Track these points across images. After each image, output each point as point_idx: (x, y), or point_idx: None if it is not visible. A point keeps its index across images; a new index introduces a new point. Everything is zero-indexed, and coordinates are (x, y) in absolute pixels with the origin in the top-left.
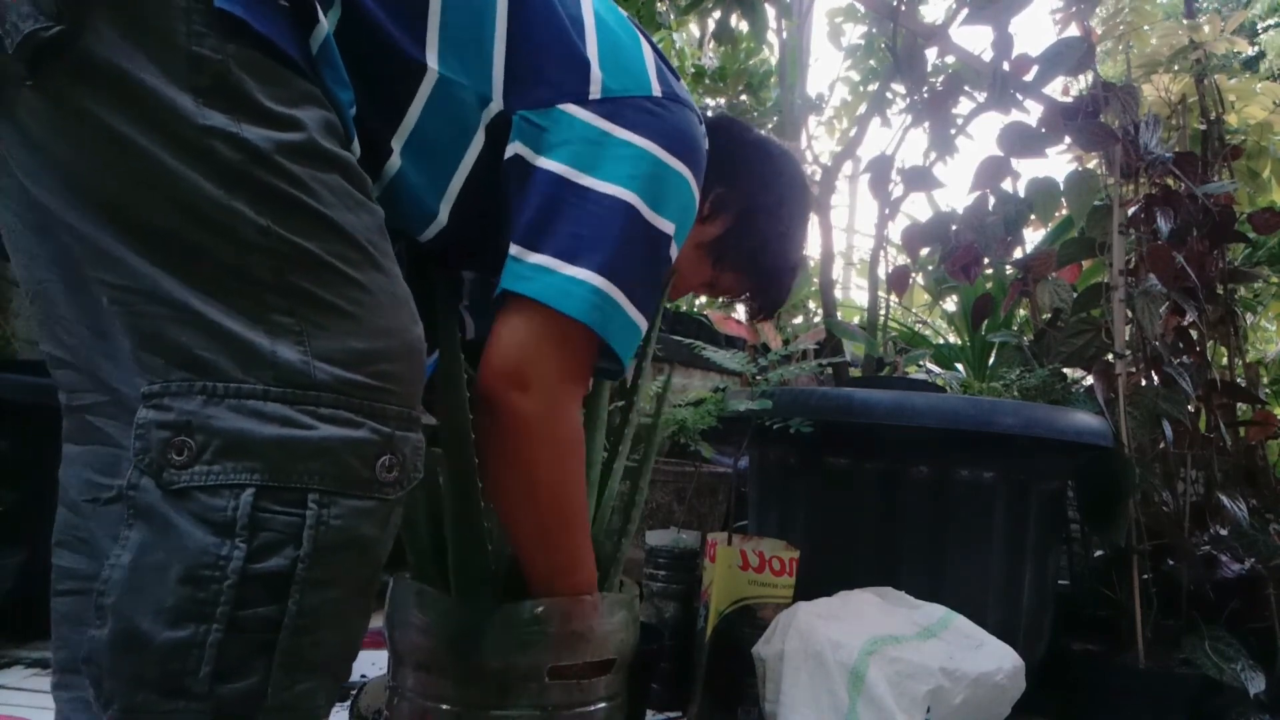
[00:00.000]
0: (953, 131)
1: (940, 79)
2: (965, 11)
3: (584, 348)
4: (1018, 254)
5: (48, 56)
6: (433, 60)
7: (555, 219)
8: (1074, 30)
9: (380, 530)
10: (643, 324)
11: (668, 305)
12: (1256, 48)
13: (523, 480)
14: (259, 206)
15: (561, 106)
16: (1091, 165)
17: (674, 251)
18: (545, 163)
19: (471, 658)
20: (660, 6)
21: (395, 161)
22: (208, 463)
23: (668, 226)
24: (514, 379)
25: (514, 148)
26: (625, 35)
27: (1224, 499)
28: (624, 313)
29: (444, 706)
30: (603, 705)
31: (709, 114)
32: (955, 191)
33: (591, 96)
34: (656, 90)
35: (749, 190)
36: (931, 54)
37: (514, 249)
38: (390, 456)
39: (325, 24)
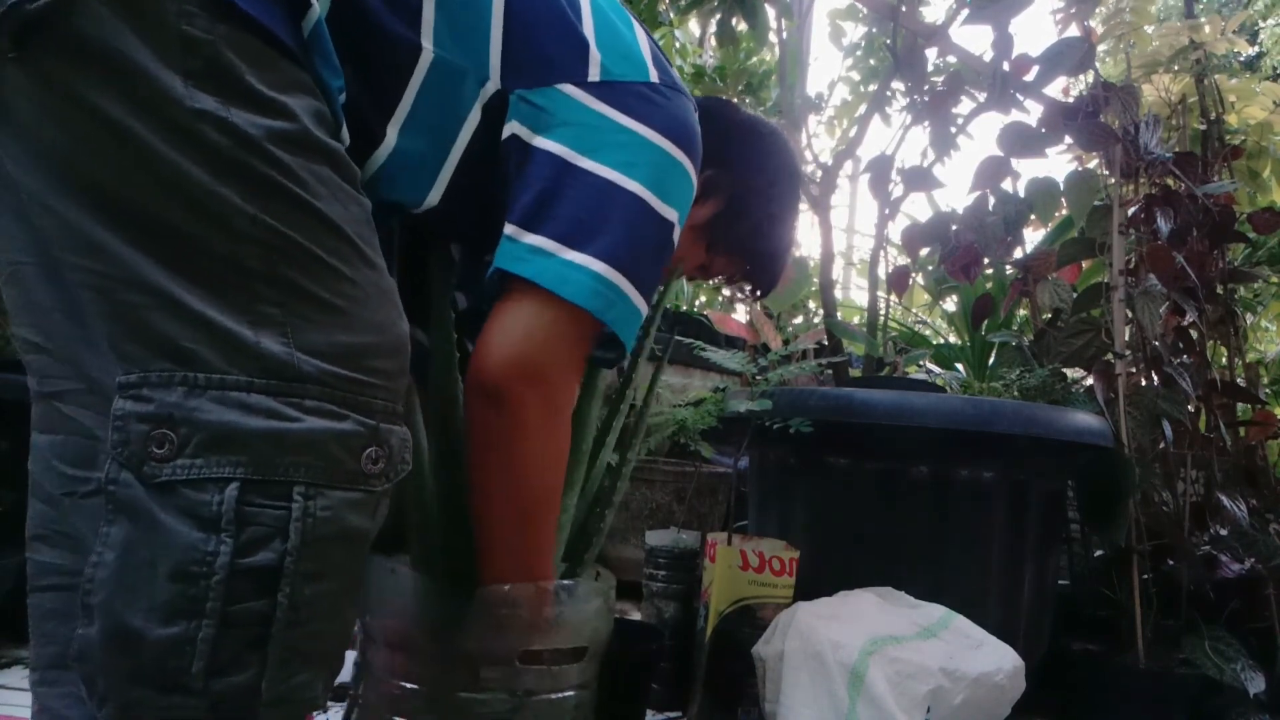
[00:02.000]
0: (953, 131)
1: (940, 79)
2: (965, 11)
3: (586, 336)
4: (1018, 254)
5: (34, 31)
6: (428, 41)
7: (555, 201)
8: (1074, 30)
9: (369, 521)
10: (644, 310)
11: (668, 305)
12: (1257, 48)
13: (516, 472)
14: (247, 195)
15: (559, 87)
16: (1091, 165)
17: (676, 238)
18: (544, 143)
19: (445, 639)
20: (661, 6)
21: (390, 144)
22: (191, 456)
23: (671, 214)
24: (524, 371)
25: (511, 127)
26: (621, 21)
27: (1224, 499)
28: (628, 299)
29: (414, 687)
30: (573, 693)
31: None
32: (955, 191)
33: (590, 79)
34: (655, 77)
35: (740, 172)
36: (932, 54)
37: (510, 229)
38: (376, 448)
39: (317, 7)
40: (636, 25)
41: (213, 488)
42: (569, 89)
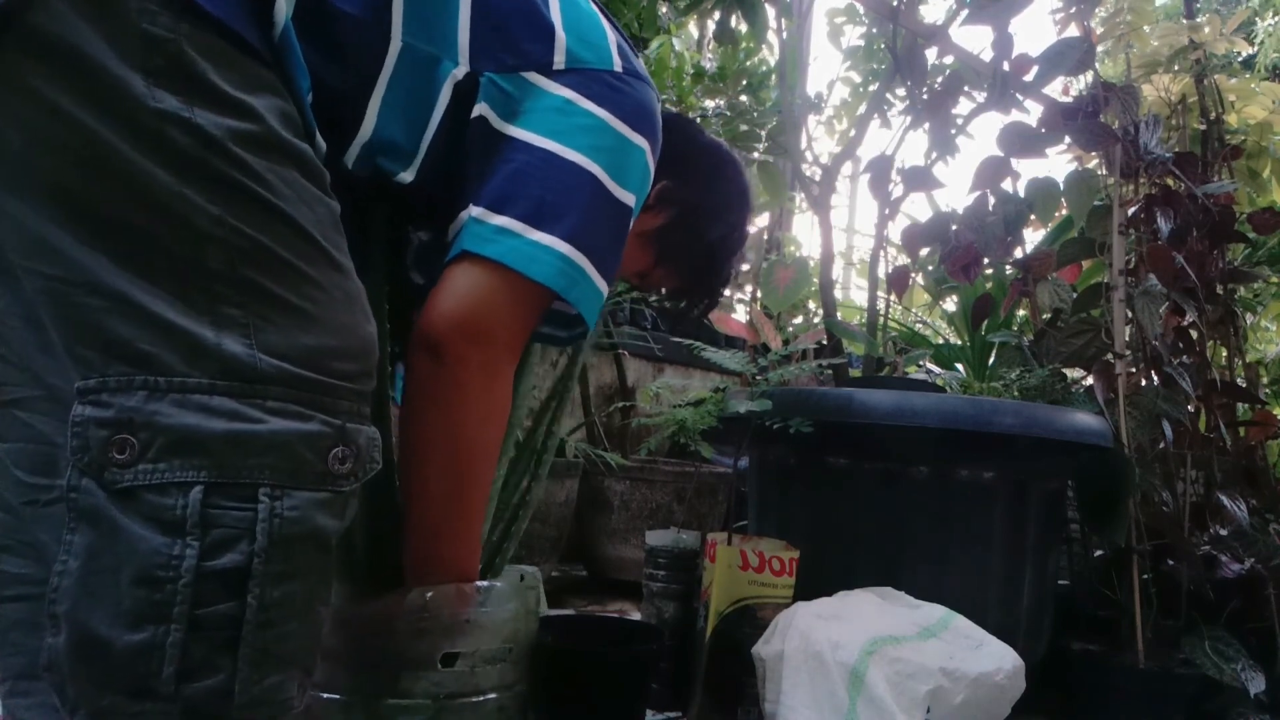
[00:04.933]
0: (953, 131)
1: (940, 79)
2: (965, 11)
3: (535, 311)
4: (1018, 254)
5: None
6: (397, 30)
7: (520, 184)
8: (1074, 30)
9: (338, 520)
10: (605, 290)
11: (652, 304)
12: (1256, 48)
13: (449, 434)
14: (211, 196)
15: (526, 75)
16: (1091, 165)
17: (631, 222)
18: (513, 130)
19: (363, 646)
20: (661, 8)
21: (366, 133)
22: (152, 460)
23: (629, 199)
24: (468, 329)
25: (480, 108)
26: (587, 10)
27: (1224, 499)
28: (590, 279)
29: (333, 697)
30: (495, 695)
31: (668, 107)
32: (955, 191)
33: (556, 66)
34: (618, 66)
35: (695, 187)
36: (931, 54)
37: (476, 210)
38: (343, 448)
39: (284, 7)
40: (602, 16)
41: (176, 491)
42: (535, 77)
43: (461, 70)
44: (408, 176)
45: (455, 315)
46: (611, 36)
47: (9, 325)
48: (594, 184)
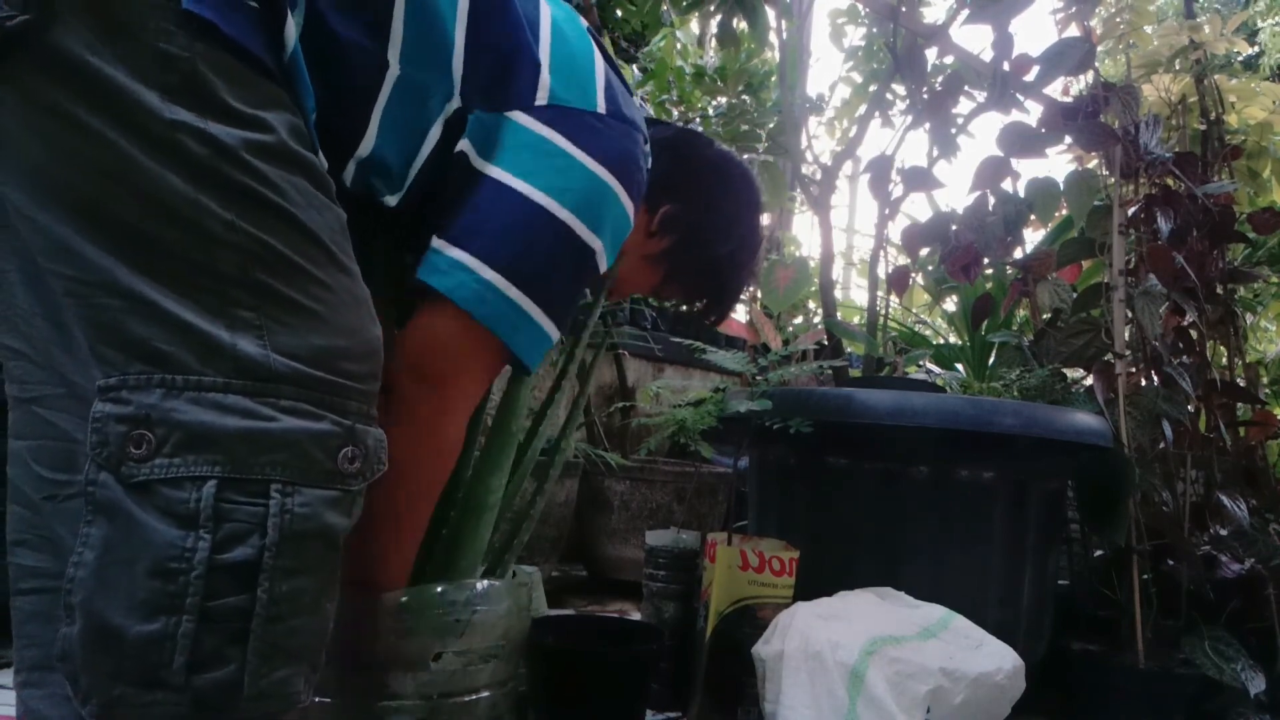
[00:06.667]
0: (953, 131)
1: (940, 79)
2: (965, 11)
3: (491, 351)
4: (1018, 254)
5: (13, 46)
6: (394, 59)
7: (483, 220)
8: (1074, 30)
9: (346, 518)
10: (554, 334)
11: (652, 304)
12: (1257, 47)
13: (394, 466)
14: (225, 202)
15: (509, 114)
16: (1091, 165)
17: (602, 265)
18: (489, 169)
19: (353, 648)
20: (662, 6)
21: (360, 156)
22: (168, 455)
23: (595, 243)
24: (414, 373)
25: (463, 144)
26: (580, 48)
27: (1224, 499)
28: (535, 323)
29: (323, 700)
30: (487, 693)
31: (674, 125)
32: (955, 191)
33: (538, 103)
34: (601, 107)
35: (699, 208)
36: (932, 54)
37: (437, 241)
38: (352, 448)
39: (294, 28)
40: (596, 53)
41: (190, 486)
42: (518, 116)
43: (454, 105)
44: (393, 201)
45: (406, 359)
46: (600, 78)
47: (35, 326)
48: (559, 227)
